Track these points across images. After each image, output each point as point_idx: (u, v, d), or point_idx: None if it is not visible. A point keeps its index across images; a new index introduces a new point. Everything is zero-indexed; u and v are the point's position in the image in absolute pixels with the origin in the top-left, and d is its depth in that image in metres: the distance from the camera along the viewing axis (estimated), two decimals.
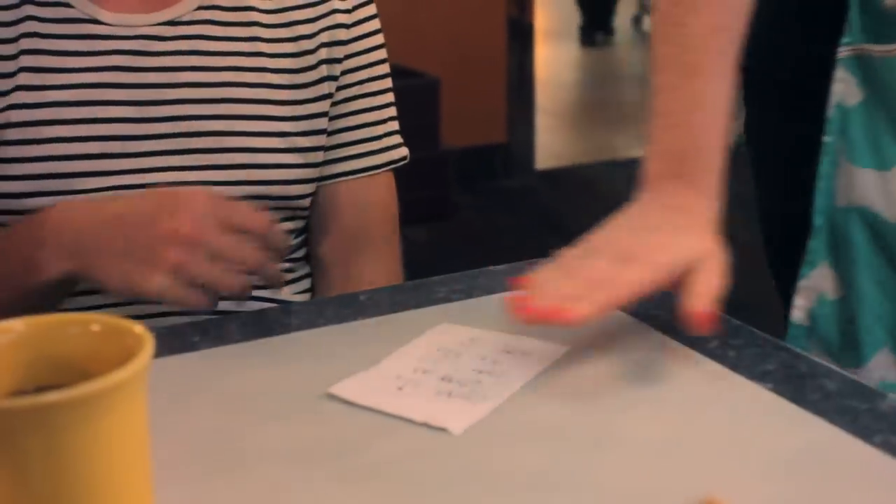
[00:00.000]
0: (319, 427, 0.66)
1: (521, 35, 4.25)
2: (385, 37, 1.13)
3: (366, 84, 1.10)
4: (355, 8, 1.09)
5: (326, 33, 1.07)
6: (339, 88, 1.08)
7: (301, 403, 0.69)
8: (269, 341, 0.79)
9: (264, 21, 1.05)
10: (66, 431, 0.46)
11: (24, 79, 0.96)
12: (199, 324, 0.81)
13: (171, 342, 0.78)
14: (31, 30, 0.98)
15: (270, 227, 0.84)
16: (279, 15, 1.06)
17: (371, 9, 1.11)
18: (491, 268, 0.93)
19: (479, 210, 3.98)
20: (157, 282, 0.79)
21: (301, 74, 1.06)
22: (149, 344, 0.50)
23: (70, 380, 0.52)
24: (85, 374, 0.52)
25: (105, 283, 0.83)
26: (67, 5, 0.99)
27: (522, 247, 3.56)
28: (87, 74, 0.98)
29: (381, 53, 1.11)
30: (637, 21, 8.18)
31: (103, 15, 1.00)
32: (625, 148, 4.93)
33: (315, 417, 0.67)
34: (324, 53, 1.07)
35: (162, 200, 0.83)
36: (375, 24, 1.11)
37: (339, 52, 1.07)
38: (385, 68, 1.12)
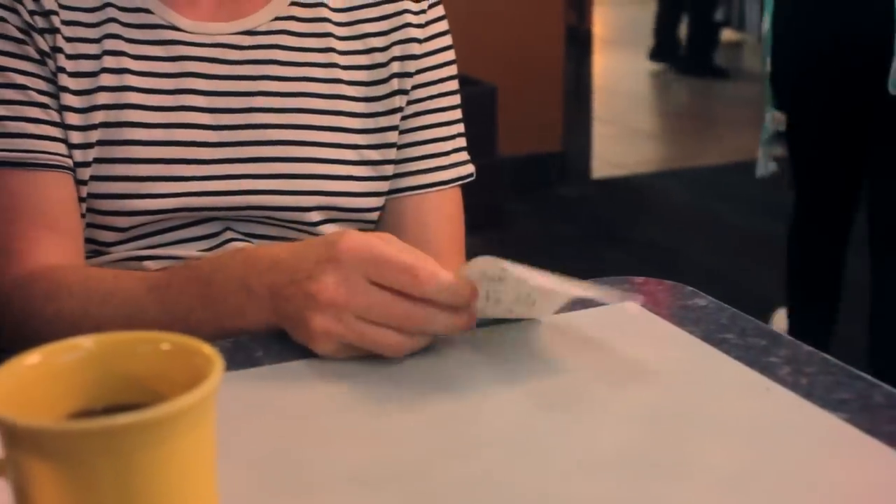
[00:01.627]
0: (382, 448, 0.65)
1: (578, 43, 4.25)
2: None
3: (436, 99, 1.10)
4: (429, 23, 1.09)
5: (399, 47, 1.07)
6: (409, 102, 1.08)
7: (363, 423, 0.69)
8: (331, 359, 0.78)
9: (339, 33, 1.07)
10: (137, 453, 0.46)
11: (105, 79, 0.98)
12: (262, 339, 0.81)
13: (234, 356, 0.77)
14: (114, 32, 0.99)
15: (428, 283, 0.73)
16: (353, 27, 1.07)
17: (444, 24, 1.11)
18: None
19: (534, 219, 3.97)
20: (319, 348, 0.76)
21: (373, 87, 1.06)
22: (219, 365, 0.49)
23: (138, 398, 0.52)
24: (153, 393, 0.51)
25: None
26: (148, 11, 1.01)
27: (578, 257, 3.56)
28: (164, 80, 1.00)
29: (452, 69, 1.11)
30: None
31: (182, 22, 1.01)
32: (681, 158, 4.90)
33: (378, 438, 0.67)
34: (396, 67, 1.07)
35: (319, 251, 0.77)
36: (447, 40, 1.11)
37: (411, 66, 1.08)
38: (455, 84, 1.12)
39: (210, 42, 1.02)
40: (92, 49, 0.98)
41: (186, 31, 1.01)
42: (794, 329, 2.60)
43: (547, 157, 4.24)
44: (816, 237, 2.56)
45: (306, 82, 1.04)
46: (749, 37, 7.20)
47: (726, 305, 0.86)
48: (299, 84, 1.04)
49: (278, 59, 1.04)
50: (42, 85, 0.97)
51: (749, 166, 4.67)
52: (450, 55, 1.11)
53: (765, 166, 2.57)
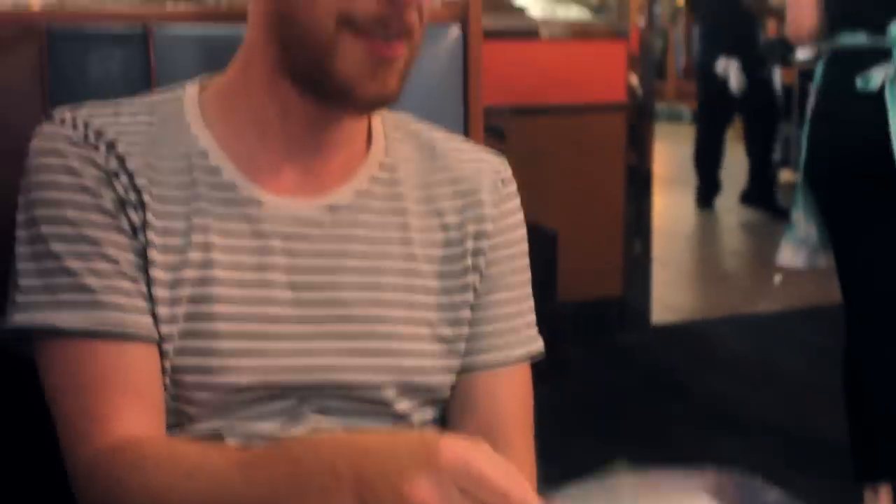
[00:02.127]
0: None
1: (639, 183, 4.24)
2: None
3: (507, 276, 1.10)
4: (502, 201, 1.10)
5: (473, 224, 1.07)
6: (482, 280, 1.08)
7: None
8: None
9: (415, 209, 1.07)
10: None
11: (192, 255, 0.98)
12: None
13: None
14: (201, 207, 1.00)
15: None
16: (429, 203, 1.08)
17: (516, 201, 1.12)
18: None
19: (595, 367, 3.91)
20: None
21: (448, 264, 1.07)
22: None
23: None
24: None
25: None
26: (233, 187, 1.01)
27: (640, 412, 3.50)
28: (248, 256, 1.00)
29: (524, 245, 1.12)
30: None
31: (266, 198, 1.02)
32: (742, 304, 4.84)
33: None
34: (470, 245, 1.07)
35: (416, 451, 0.75)
36: (519, 217, 1.12)
37: (484, 244, 1.08)
38: (525, 261, 1.12)
39: (292, 218, 1.02)
40: (180, 224, 0.99)
41: (270, 207, 1.02)
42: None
43: (607, 302, 4.20)
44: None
45: (384, 259, 1.04)
46: None
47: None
48: (377, 261, 1.04)
49: (358, 235, 1.04)
50: (133, 258, 0.97)
51: (811, 313, 4.66)
52: (521, 232, 1.12)
53: (791, 258, 2.82)
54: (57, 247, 0.96)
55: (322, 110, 1.00)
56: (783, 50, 7.49)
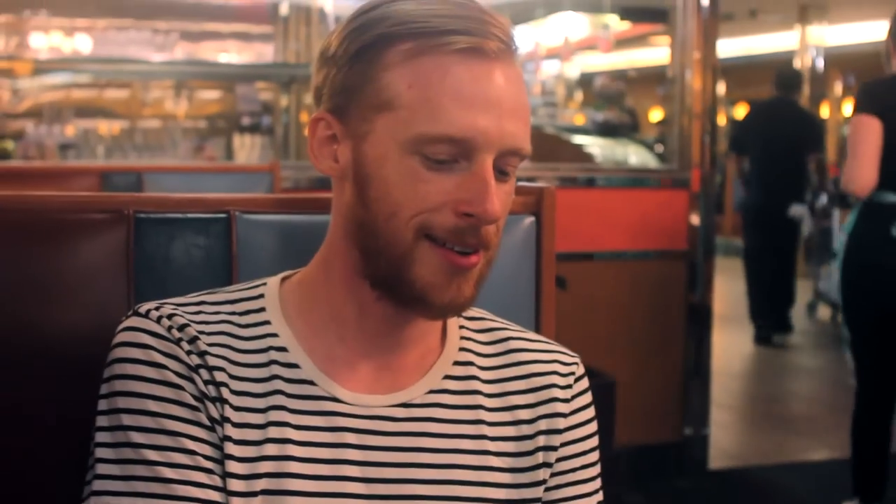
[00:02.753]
0: None
1: (698, 326, 4.21)
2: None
3: (578, 472, 1.10)
4: (574, 397, 1.11)
5: (545, 420, 1.08)
6: (552, 475, 1.08)
7: None
8: None
9: (489, 405, 1.08)
10: None
11: (269, 449, 1.00)
12: None
13: None
14: (279, 403, 1.02)
15: None
16: (503, 398, 1.09)
17: (588, 397, 1.12)
18: None
19: None
20: None
21: (520, 458, 1.07)
22: None
23: None
24: None
25: None
26: (312, 383, 1.03)
27: None
28: (323, 449, 1.02)
29: (594, 441, 1.12)
30: (812, 308, 8.05)
31: (343, 394, 1.04)
32: (802, 450, 4.75)
33: None
34: (542, 440, 1.08)
35: None
36: (591, 412, 1.12)
37: (556, 440, 1.08)
38: (596, 455, 1.12)
39: (367, 414, 1.04)
40: (258, 419, 1.01)
41: (346, 403, 1.03)
42: None
43: (664, 446, 4.15)
44: None
45: (457, 454, 1.05)
46: None
47: None
48: (450, 456, 1.05)
49: (431, 431, 1.05)
50: (210, 451, 0.99)
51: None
52: (593, 427, 1.13)
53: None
54: (137, 437, 0.99)
55: (398, 312, 1.03)
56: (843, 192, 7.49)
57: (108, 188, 2.66)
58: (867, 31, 11.06)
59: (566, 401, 1.10)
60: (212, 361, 1.01)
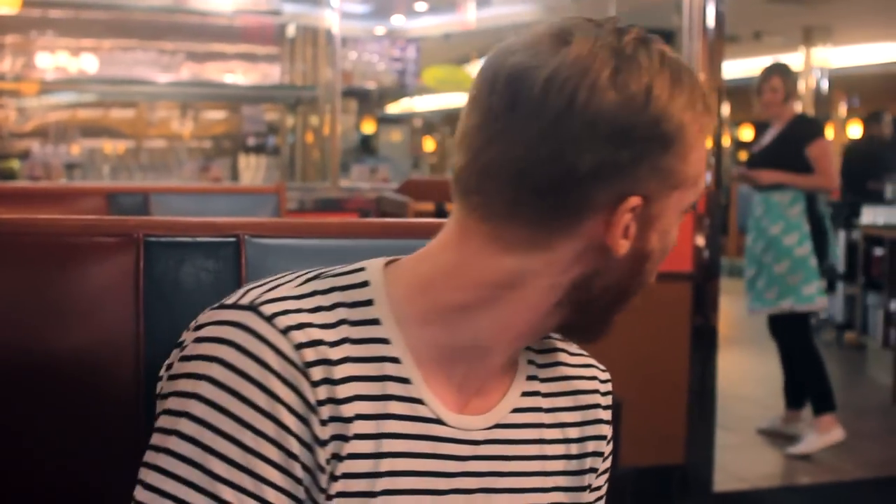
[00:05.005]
0: None
1: (703, 343, 4.20)
2: None
3: (602, 488, 1.11)
4: (609, 415, 1.11)
5: (593, 443, 1.08)
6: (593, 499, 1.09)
7: None
8: None
9: (548, 420, 1.06)
10: None
11: (381, 483, 0.94)
12: None
13: None
14: (393, 430, 0.95)
15: None
16: (555, 416, 1.06)
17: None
18: None
19: None
20: None
21: (571, 479, 1.06)
22: None
23: None
24: None
25: None
26: (421, 402, 0.96)
27: None
28: (430, 479, 0.97)
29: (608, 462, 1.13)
30: (817, 331, 8.03)
31: (448, 417, 0.98)
32: (809, 473, 4.73)
33: None
34: (589, 462, 1.07)
35: None
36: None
37: (599, 463, 1.09)
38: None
39: (466, 438, 0.99)
40: (368, 447, 0.94)
41: (449, 426, 0.98)
42: None
43: (669, 468, 4.13)
44: None
45: (528, 477, 1.03)
46: (871, 340, 7.09)
47: None
48: (532, 479, 1.03)
49: (519, 454, 1.02)
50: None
51: (881, 484, 4.53)
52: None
53: None
54: (217, 468, 0.88)
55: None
56: (848, 213, 7.50)
57: (114, 209, 2.67)
58: (871, 53, 11.10)
59: (608, 421, 1.10)
60: (342, 392, 0.91)
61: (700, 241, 4.12)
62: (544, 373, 1.07)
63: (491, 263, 0.95)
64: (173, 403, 0.91)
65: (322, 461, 0.90)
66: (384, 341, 0.95)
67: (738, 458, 4.80)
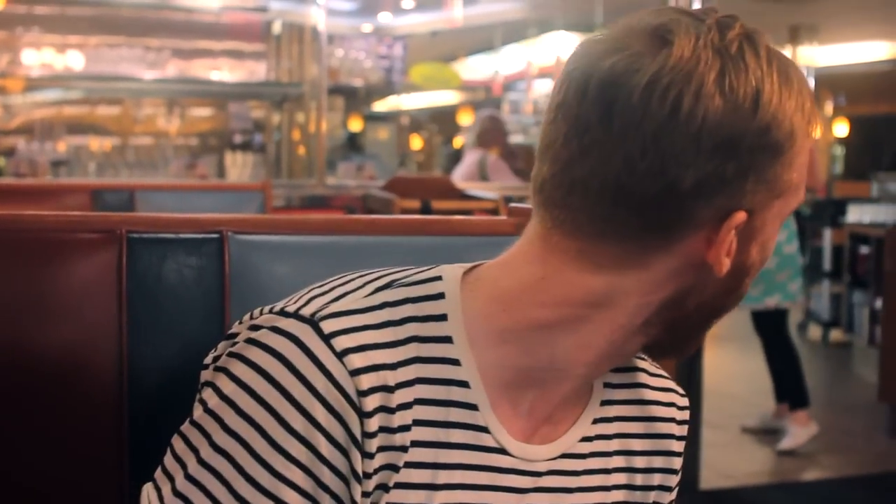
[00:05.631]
0: None
1: None
2: None
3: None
4: (683, 443, 1.05)
5: (660, 476, 1.02)
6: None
7: None
8: None
9: (638, 447, 1.00)
10: None
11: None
12: None
13: None
14: (453, 461, 0.89)
15: None
16: (623, 443, 1.00)
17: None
18: None
19: None
20: None
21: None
22: None
23: None
24: None
25: None
26: (486, 430, 0.90)
27: None
28: None
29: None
30: (803, 328, 8.06)
31: (512, 446, 0.91)
32: (795, 470, 4.75)
33: None
34: (653, 496, 1.02)
35: None
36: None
37: (665, 498, 1.03)
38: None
39: (530, 469, 0.93)
40: (423, 477, 0.89)
41: (513, 457, 0.92)
42: None
43: None
44: None
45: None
46: (857, 338, 7.11)
47: None
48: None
49: (577, 484, 0.96)
50: None
51: (866, 481, 4.54)
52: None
53: None
54: (242, 489, 0.82)
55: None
56: (833, 211, 7.54)
57: (100, 205, 2.66)
58: (857, 52, 11.14)
59: (681, 451, 1.03)
60: (400, 418, 0.85)
61: None
62: (620, 394, 1.00)
63: (578, 280, 0.87)
64: (211, 400, 0.86)
65: (357, 495, 0.84)
66: (454, 362, 0.88)
67: (725, 456, 4.81)
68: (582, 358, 0.90)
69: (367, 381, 0.83)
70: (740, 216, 0.84)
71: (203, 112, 7.23)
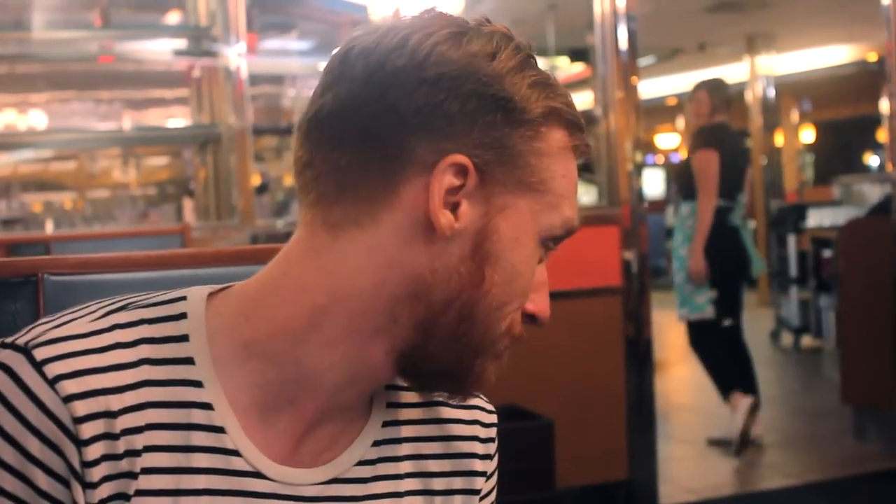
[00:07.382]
0: None
1: (638, 360, 4.19)
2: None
3: None
4: (491, 458, 1.01)
5: (461, 498, 0.98)
6: None
7: None
8: None
9: (406, 469, 0.95)
10: None
11: None
12: None
13: None
14: (196, 486, 0.84)
15: None
16: (418, 465, 0.96)
17: (496, 444, 1.02)
18: None
19: None
20: None
21: None
22: None
23: None
24: None
25: None
26: (236, 454, 0.85)
27: None
28: None
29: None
30: (775, 336, 8.06)
31: (270, 469, 0.86)
32: (758, 479, 4.73)
33: None
34: None
35: None
36: (496, 462, 1.02)
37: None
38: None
39: (293, 494, 0.88)
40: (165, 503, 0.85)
41: (271, 480, 0.87)
42: None
43: (612, 485, 4.12)
44: None
45: None
46: (826, 342, 7.11)
47: None
48: None
49: None
50: None
51: (839, 486, 4.52)
52: (496, 478, 1.03)
53: None
54: None
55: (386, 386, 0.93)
56: (796, 217, 7.55)
57: None
58: (816, 58, 11.21)
59: (485, 467, 0.98)
60: (127, 444, 0.82)
61: (627, 254, 4.13)
62: (412, 413, 0.96)
63: (315, 264, 0.85)
64: None
65: None
66: (196, 384, 0.84)
67: (687, 470, 4.80)
68: (328, 359, 0.85)
69: (82, 407, 0.80)
70: (457, 157, 0.82)
71: (159, 161, 7.23)
